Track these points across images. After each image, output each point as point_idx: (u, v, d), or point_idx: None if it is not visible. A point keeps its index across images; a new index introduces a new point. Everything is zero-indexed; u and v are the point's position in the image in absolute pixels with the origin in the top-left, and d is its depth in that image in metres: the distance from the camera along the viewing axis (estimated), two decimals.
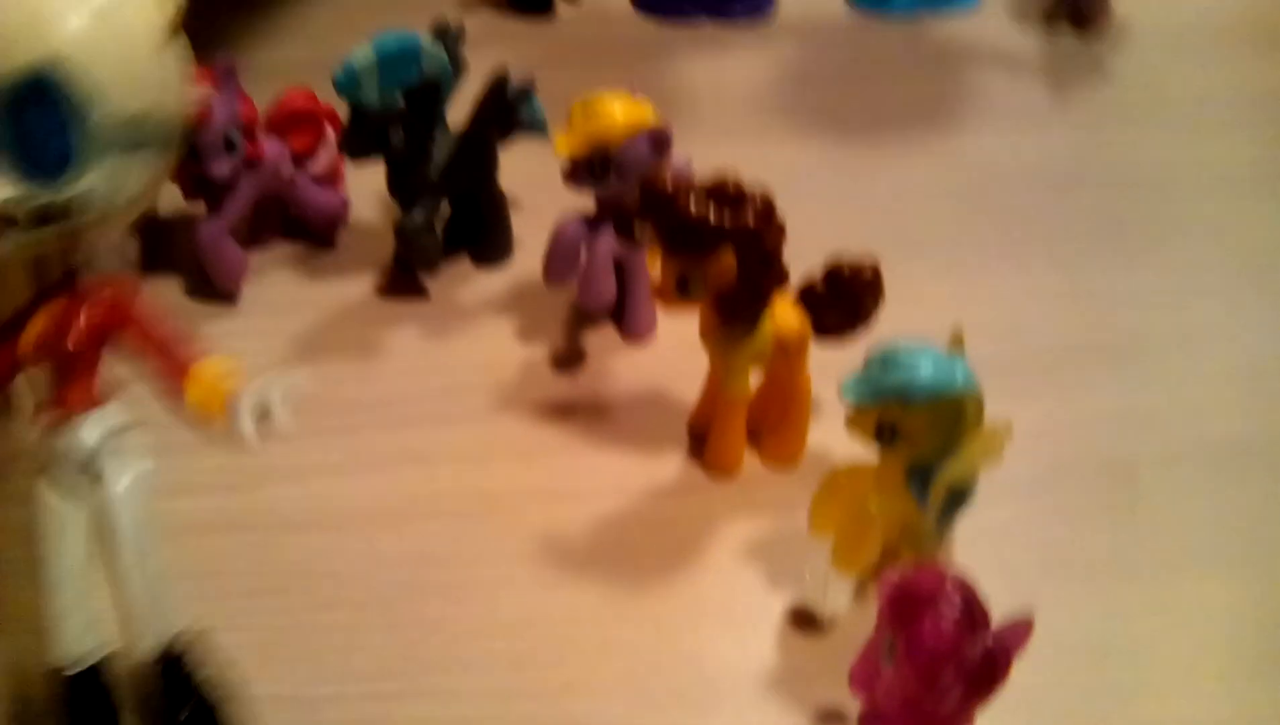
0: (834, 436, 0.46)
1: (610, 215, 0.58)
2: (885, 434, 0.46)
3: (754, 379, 0.55)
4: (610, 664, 0.48)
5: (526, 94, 0.60)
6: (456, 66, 0.60)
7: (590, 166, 0.56)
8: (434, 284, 0.64)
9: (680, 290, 0.50)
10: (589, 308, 0.60)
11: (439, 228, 0.64)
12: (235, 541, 0.51)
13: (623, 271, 0.60)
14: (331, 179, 0.66)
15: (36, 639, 0.41)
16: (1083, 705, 0.47)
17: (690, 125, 0.75)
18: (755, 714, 0.47)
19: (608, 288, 0.59)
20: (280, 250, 0.66)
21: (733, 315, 0.51)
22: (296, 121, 0.63)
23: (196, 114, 0.56)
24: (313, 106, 0.63)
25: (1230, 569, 0.53)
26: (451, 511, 0.53)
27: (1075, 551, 0.53)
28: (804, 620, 0.50)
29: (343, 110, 0.59)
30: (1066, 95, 0.79)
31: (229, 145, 0.58)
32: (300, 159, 0.64)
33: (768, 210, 0.49)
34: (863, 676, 0.43)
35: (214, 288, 0.62)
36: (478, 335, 0.62)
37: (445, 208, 0.64)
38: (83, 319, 0.39)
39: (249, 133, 0.60)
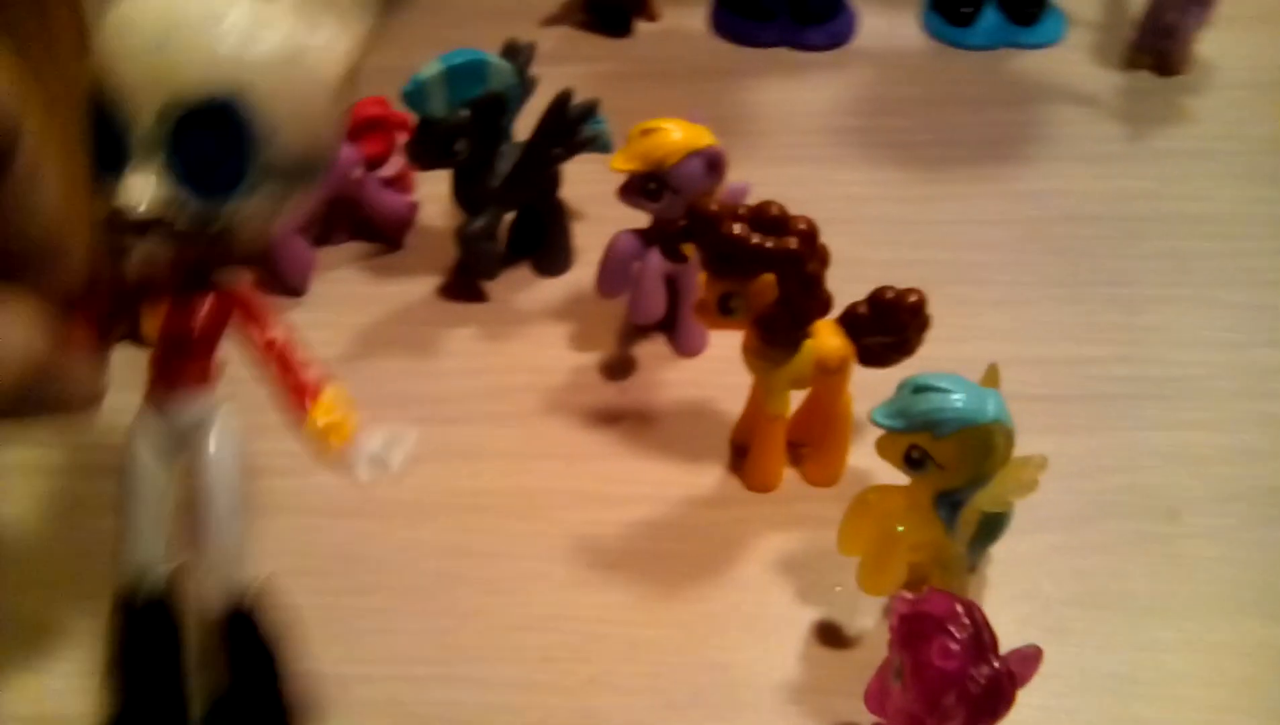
0: (875, 458, 0.47)
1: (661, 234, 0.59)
2: (914, 461, 0.46)
3: (799, 397, 0.56)
4: (635, 664, 0.50)
5: (590, 112, 0.62)
6: (524, 83, 0.62)
7: (644, 184, 0.57)
8: (494, 289, 0.66)
9: (722, 310, 0.51)
10: (638, 322, 0.62)
11: (502, 236, 0.66)
12: (283, 523, 0.54)
13: (675, 289, 0.61)
14: (402, 184, 0.68)
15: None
16: None
17: (758, 148, 0.77)
18: (774, 722, 0.48)
19: (657, 304, 0.60)
20: (349, 249, 0.68)
21: (773, 337, 0.52)
22: (369, 128, 0.65)
23: None
24: (385, 114, 0.65)
25: (1269, 613, 0.52)
26: (493, 507, 0.55)
27: (1111, 584, 0.53)
28: (830, 635, 0.51)
29: (415, 119, 0.61)
30: (1141, 136, 0.79)
31: None
32: (372, 163, 0.66)
33: (811, 236, 0.50)
34: (875, 695, 0.44)
35: (282, 281, 0.65)
36: (532, 340, 0.63)
37: (508, 217, 0.66)
38: (212, 304, 0.40)
39: None
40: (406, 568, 0.53)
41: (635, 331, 0.64)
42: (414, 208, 0.69)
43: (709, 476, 0.57)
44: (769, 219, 0.50)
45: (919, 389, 0.46)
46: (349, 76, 0.38)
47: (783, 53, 0.87)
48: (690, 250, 0.58)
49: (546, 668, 0.49)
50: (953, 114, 0.81)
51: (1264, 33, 0.87)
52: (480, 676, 0.49)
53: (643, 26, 0.88)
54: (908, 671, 0.41)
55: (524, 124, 0.63)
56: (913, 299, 0.53)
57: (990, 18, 0.88)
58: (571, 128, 0.62)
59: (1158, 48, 0.84)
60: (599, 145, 0.64)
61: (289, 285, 0.65)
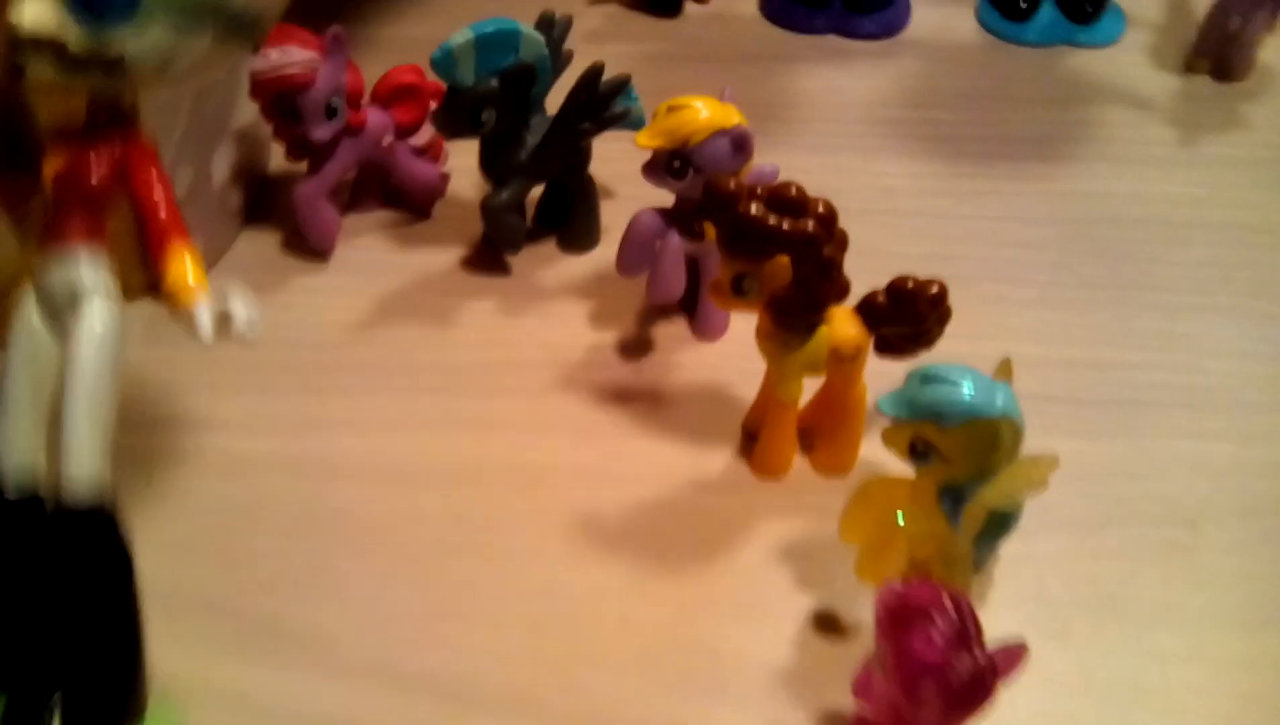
0: (888, 451, 0.46)
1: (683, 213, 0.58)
2: (919, 451, 0.45)
3: (815, 385, 0.55)
4: (626, 641, 0.49)
5: (620, 88, 0.61)
6: (557, 56, 0.62)
7: (669, 162, 0.56)
8: (517, 263, 0.66)
9: (736, 291, 0.50)
10: (656, 301, 0.61)
11: (528, 210, 0.65)
12: (286, 483, 0.54)
13: (697, 271, 0.60)
14: (433, 153, 0.68)
15: None
16: None
17: (799, 134, 0.76)
18: (761, 706, 0.47)
19: (676, 284, 0.59)
20: (377, 216, 0.68)
21: (786, 320, 0.51)
22: (402, 95, 0.65)
23: (301, 78, 0.59)
24: (419, 82, 0.65)
25: None
26: (495, 479, 0.55)
27: (1121, 591, 0.52)
28: (826, 624, 0.50)
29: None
30: (1193, 141, 0.77)
31: (330, 111, 0.61)
32: (404, 131, 0.66)
33: (829, 220, 0.49)
34: (862, 683, 0.44)
35: (308, 245, 0.65)
36: (551, 315, 0.63)
37: (537, 191, 0.65)
38: (108, 156, 0.40)
39: (353, 101, 0.62)
40: (403, 533, 0.52)
41: (656, 312, 0.63)
42: (444, 178, 0.68)
43: (717, 461, 0.56)
44: (787, 200, 0.49)
45: (927, 379, 0.45)
46: None
47: (833, 40, 0.86)
48: (710, 229, 0.57)
49: (534, 640, 0.49)
50: (1001, 110, 0.79)
51: None
52: (468, 644, 0.49)
53: (692, 8, 0.88)
54: (889, 659, 0.40)
55: (558, 98, 0.62)
56: (933, 290, 0.52)
57: (1047, 14, 0.86)
58: (602, 103, 0.61)
59: (1219, 52, 0.82)
60: (631, 122, 0.63)
61: (314, 249, 0.65)
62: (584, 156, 0.64)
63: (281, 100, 0.60)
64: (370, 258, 0.66)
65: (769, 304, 0.51)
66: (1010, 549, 0.51)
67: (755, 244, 0.49)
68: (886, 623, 0.40)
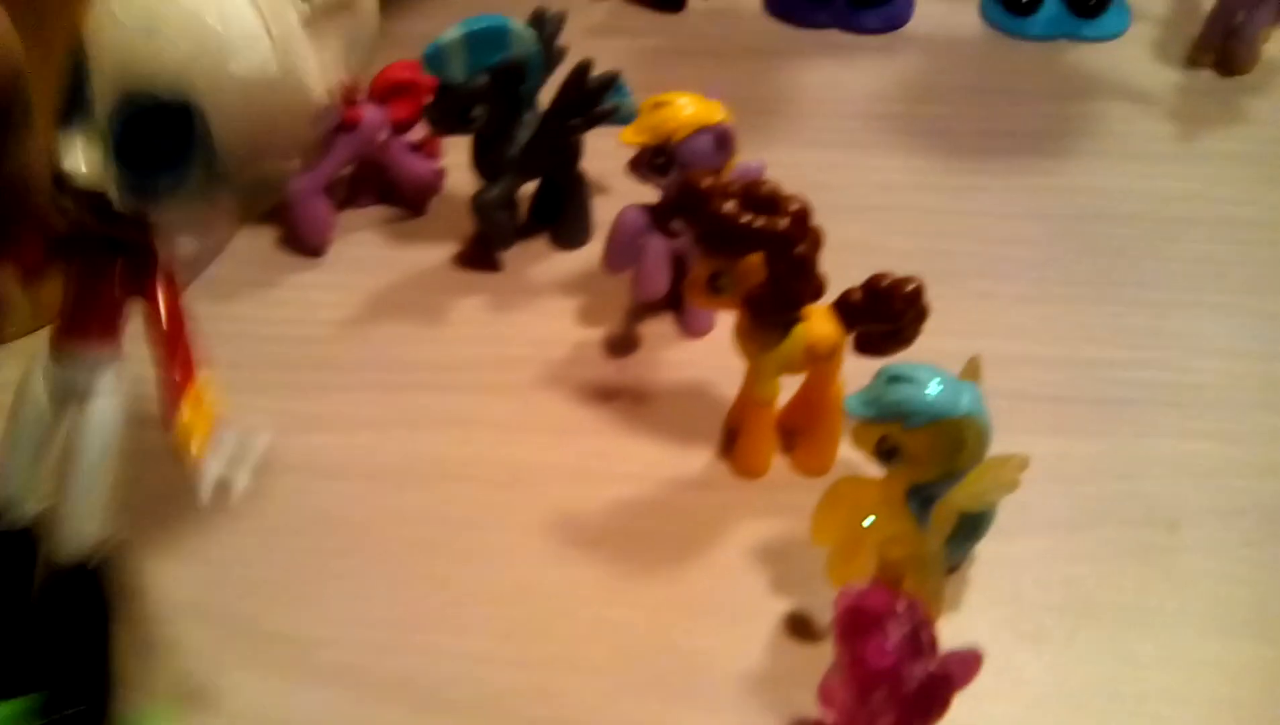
0: None
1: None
2: (886, 451, 0.45)
3: (794, 384, 0.56)
4: (599, 643, 0.50)
5: (610, 84, 0.62)
6: (549, 52, 0.62)
7: (653, 158, 0.57)
8: (509, 260, 0.66)
9: (711, 288, 0.51)
10: (640, 299, 0.62)
11: (520, 206, 0.66)
12: (268, 482, 0.54)
13: (682, 268, 0.60)
14: (429, 150, 0.69)
15: None
16: None
17: (795, 130, 0.76)
18: (732, 711, 0.48)
19: (660, 281, 0.60)
20: (372, 213, 0.69)
21: (760, 318, 0.52)
22: (398, 91, 0.66)
23: None
24: (414, 78, 0.65)
25: (1260, 633, 0.51)
26: (477, 477, 0.55)
27: (1098, 593, 0.52)
28: (799, 627, 0.50)
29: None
30: (1192, 136, 0.76)
31: None
32: (400, 127, 0.66)
33: (803, 217, 0.49)
34: (827, 690, 0.44)
35: (301, 241, 0.66)
36: (540, 312, 0.64)
37: (529, 187, 0.66)
38: (131, 271, 0.41)
39: (347, 98, 0.63)
40: (383, 533, 0.53)
41: (644, 309, 0.63)
42: (439, 175, 0.69)
43: (698, 459, 0.57)
44: (761, 198, 0.49)
45: (893, 379, 0.45)
46: (317, 114, 0.39)
47: (835, 35, 0.86)
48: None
49: (509, 642, 0.49)
50: (1000, 104, 0.79)
51: None
52: (440, 647, 0.49)
53: (695, 3, 0.87)
54: (845, 665, 0.40)
55: (550, 94, 0.63)
56: (909, 288, 0.52)
57: (1051, 8, 0.86)
58: (591, 99, 0.62)
59: (1223, 46, 0.81)
60: (621, 117, 0.63)
61: (308, 245, 0.66)
62: (574, 153, 0.65)
63: None
64: (363, 254, 0.67)
65: (744, 303, 0.51)
66: (987, 550, 0.52)
67: (728, 242, 0.49)
68: (843, 629, 0.41)
